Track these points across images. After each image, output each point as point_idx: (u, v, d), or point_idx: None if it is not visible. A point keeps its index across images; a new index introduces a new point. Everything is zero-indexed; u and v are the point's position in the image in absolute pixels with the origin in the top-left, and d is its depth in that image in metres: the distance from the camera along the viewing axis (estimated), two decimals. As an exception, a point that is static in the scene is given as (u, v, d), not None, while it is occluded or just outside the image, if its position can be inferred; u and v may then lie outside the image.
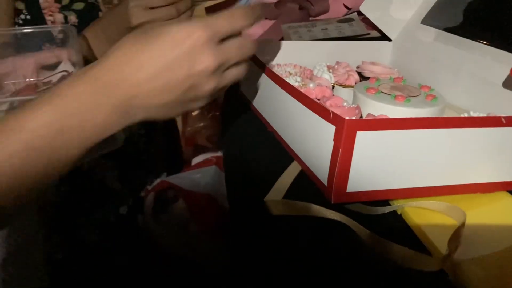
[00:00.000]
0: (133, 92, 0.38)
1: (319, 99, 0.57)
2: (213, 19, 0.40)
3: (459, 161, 0.44)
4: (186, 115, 1.29)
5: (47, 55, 0.63)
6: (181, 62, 0.39)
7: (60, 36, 0.65)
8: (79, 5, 0.79)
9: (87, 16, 0.79)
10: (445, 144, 0.42)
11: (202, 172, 0.94)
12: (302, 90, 0.56)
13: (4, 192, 0.36)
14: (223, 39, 0.41)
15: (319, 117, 0.43)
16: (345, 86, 0.64)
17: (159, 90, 0.39)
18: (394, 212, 0.44)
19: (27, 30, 0.63)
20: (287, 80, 0.57)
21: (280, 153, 0.52)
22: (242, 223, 0.53)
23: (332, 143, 0.41)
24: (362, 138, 0.40)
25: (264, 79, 0.58)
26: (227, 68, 0.42)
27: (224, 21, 0.41)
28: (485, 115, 0.50)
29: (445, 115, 0.55)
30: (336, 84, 0.64)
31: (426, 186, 0.44)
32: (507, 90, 0.51)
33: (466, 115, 0.50)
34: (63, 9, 0.78)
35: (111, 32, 0.69)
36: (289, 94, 0.50)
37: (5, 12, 0.72)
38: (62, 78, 0.60)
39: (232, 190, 0.59)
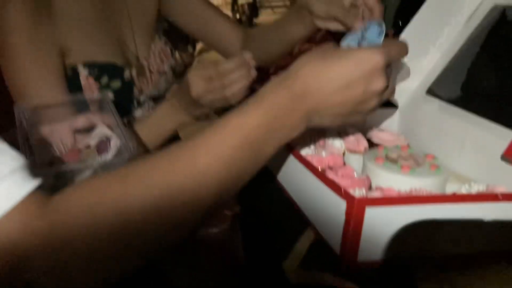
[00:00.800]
0: (319, 103, 0.45)
1: (331, 167, 0.62)
2: (388, 48, 0.47)
3: (461, 230, 0.48)
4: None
5: (81, 120, 0.68)
6: (359, 82, 0.45)
7: (96, 103, 0.72)
8: (116, 84, 0.85)
9: (123, 94, 0.86)
10: (447, 217, 0.47)
11: (220, 226, 0.97)
12: (314, 159, 0.61)
13: (222, 185, 0.43)
14: None
15: (331, 191, 0.48)
16: (355, 152, 0.69)
17: (337, 103, 0.46)
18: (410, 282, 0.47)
19: (69, 98, 0.70)
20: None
21: (295, 216, 0.57)
22: (260, 283, 0.57)
23: (343, 216, 0.46)
24: (371, 213, 0.45)
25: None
26: None
27: (395, 51, 0.49)
28: (485, 186, 0.54)
29: (449, 184, 0.59)
30: (347, 150, 0.69)
31: (436, 257, 0.48)
32: (505, 164, 0.55)
33: (466, 186, 0.55)
34: (102, 87, 0.84)
35: (182, 101, 0.77)
36: (304, 165, 0.55)
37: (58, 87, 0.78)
38: (101, 143, 0.65)
39: (249, 249, 0.63)
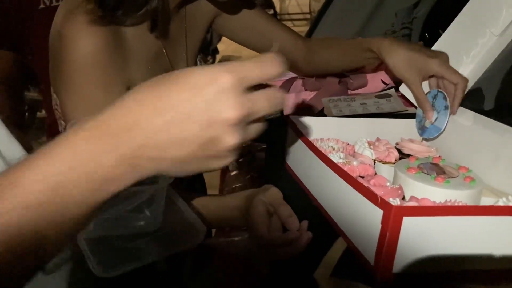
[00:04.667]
0: (145, 141, 0.34)
1: (362, 176, 0.61)
2: (240, 64, 0.36)
3: (500, 246, 0.46)
4: (224, 174, 1.34)
5: None
6: (201, 110, 0.34)
7: None
8: None
9: None
10: (486, 230, 0.45)
11: (241, 234, 0.97)
12: (345, 168, 0.60)
13: (4, 253, 0.32)
14: (250, 88, 0.36)
15: (367, 200, 0.47)
16: (385, 163, 0.68)
17: (173, 140, 0.34)
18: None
19: None
20: (331, 156, 0.61)
21: (326, 226, 0.56)
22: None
23: (379, 226, 0.45)
24: (408, 223, 0.43)
25: (308, 154, 0.63)
26: (252, 122, 0.37)
27: (252, 67, 0.36)
28: (522, 200, 0.53)
29: (483, 197, 0.58)
30: (377, 161, 0.68)
31: (470, 269, 0.47)
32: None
33: (504, 199, 0.53)
34: None
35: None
36: (335, 173, 0.54)
37: None
38: None
39: (277, 260, 0.62)
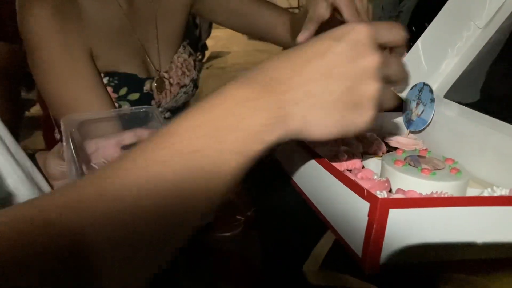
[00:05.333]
0: (291, 86, 0.35)
1: (349, 170, 0.61)
2: (373, 23, 0.38)
3: (486, 236, 0.47)
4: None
5: (128, 136, 0.65)
6: (341, 55, 0.36)
7: (143, 116, 0.69)
8: (135, 96, 0.84)
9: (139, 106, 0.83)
10: (472, 220, 0.46)
11: (233, 230, 0.97)
12: (332, 161, 0.60)
13: (159, 208, 0.31)
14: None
15: (354, 193, 0.47)
16: (372, 156, 0.68)
17: (318, 84, 0.35)
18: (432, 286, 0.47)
19: (115, 112, 0.67)
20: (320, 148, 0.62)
21: (314, 219, 0.56)
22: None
23: (366, 218, 0.45)
24: (395, 214, 0.44)
25: (297, 148, 0.63)
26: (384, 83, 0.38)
27: (384, 26, 0.39)
28: (507, 190, 0.53)
29: (469, 188, 0.58)
30: (365, 154, 0.68)
31: (457, 259, 0.47)
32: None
33: (489, 190, 0.54)
34: (118, 99, 0.83)
35: None
36: (322, 166, 0.55)
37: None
38: None
39: (267, 254, 0.62)
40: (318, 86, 0.36)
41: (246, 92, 0.35)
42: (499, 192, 0.54)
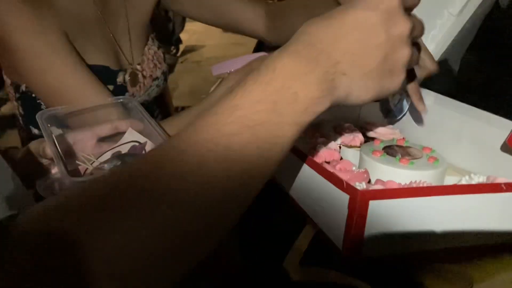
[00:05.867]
0: (340, 58, 0.38)
1: (328, 162, 0.61)
2: None
3: (466, 224, 0.47)
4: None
5: (105, 128, 0.64)
6: (377, 25, 0.38)
7: (120, 107, 0.67)
8: (109, 88, 0.81)
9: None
10: (451, 209, 0.46)
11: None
12: (310, 153, 0.60)
13: (222, 185, 0.34)
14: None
15: (333, 186, 0.47)
16: (350, 147, 0.68)
17: (360, 54, 0.38)
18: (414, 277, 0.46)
19: (90, 105, 0.65)
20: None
21: (293, 214, 0.55)
22: (260, 283, 0.55)
23: (346, 210, 0.44)
24: (375, 206, 0.43)
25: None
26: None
27: None
28: (485, 178, 0.54)
29: (447, 176, 0.58)
30: (342, 145, 0.68)
31: (437, 249, 0.47)
32: (505, 154, 0.55)
33: (467, 178, 0.54)
34: None
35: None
36: (301, 159, 0.54)
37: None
38: (133, 148, 0.60)
39: (246, 249, 0.61)
40: (359, 57, 0.38)
41: (297, 66, 0.37)
42: (476, 179, 0.54)
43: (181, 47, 5.19)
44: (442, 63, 0.72)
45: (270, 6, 0.93)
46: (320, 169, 0.49)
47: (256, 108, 0.35)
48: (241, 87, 0.37)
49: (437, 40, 0.73)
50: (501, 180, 0.52)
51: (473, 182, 0.53)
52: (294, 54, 0.38)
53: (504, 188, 0.46)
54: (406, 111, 0.70)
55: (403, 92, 0.70)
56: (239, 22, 0.92)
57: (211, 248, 0.36)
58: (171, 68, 5.16)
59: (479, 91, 0.65)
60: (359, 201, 0.43)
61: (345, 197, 0.44)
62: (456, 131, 0.63)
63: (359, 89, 0.40)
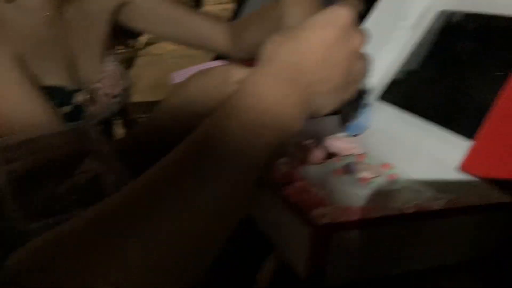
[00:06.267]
0: (311, 79, 0.40)
1: (289, 182, 0.61)
2: (345, 5, 0.42)
3: (427, 245, 0.48)
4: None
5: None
6: (338, 42, 0.40)
7: (77, 132, 0.64)
8: (66, 109, 0.77)
9: (71, 120, 0.78)
10: (412, 232, 0.47)
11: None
12: (274, 174, 0.60)
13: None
14: None
15: (297, 217, 0.47)
16: (312, 164, 0.68)
17: (327, 72, 0.41)
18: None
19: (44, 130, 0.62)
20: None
21: (258, 241, 0.55)
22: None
23: (308, 242, 0.45)
24: (336, 237, 0.44)
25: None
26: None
27: (354, 4, 0.47)
28: (444, 197, 0.55)
29: (406, 194, 0.60)
30: (304, 162, 0.68)
31: (402, 272, 0.48)
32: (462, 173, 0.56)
33: (426, 196, 0.55)
34: None
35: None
36: (265, 185, 0.54)
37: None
38: (90, 180, 0.59)
39: (210, 278, 0.61)
40: (326, 74, 0.41)
41: (279, 89, 0.39)
42: (434, 199, 0.55)
43: (143, 40, 5.08)
44: (400, 76, 0.73)
45: (231, 24, 0.93)
46: (283, 198, 0.49)
47: (242, 132, 0.37)
48: (227, 109, 0.38)
49: (394, 54, 0.74)
50: (458, 200, 0.54)
51: (432, 203, 0.55)
52: (272, 77, 0.40)
53: (461, 211, 0.48)
54: (366, 126, 0.71)
55: (362, 107, 0.71)
56: (203, 38, 0.92)
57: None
58: (130, 62, 5.06)
59: (435, 106, 0.66)
60: (320, 233, 0.43)
61: (307, 229, 0.45)
62: (414, 148, 0.64)
63: (326, 102, 0.43)
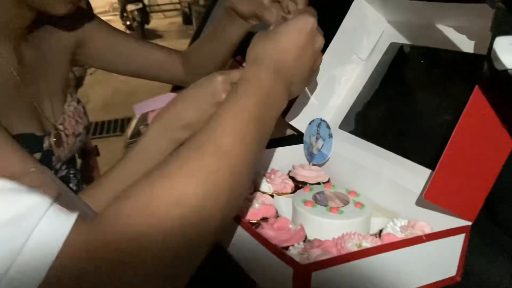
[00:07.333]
0: (291, 73, 0.53)
1: (266, 218, 0.64)
2: (309, 10, 0.59)
3: (400, 273, 0.53)
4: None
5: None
6: (307, 44, 0.54)
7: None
8: (37, 156, 0.76)
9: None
10: (392, 264, 0.51)
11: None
12: (249, 211, 0.63)
13: (244, 162, 0.46)
14: None
15: (277, 258, 0.50)
16: (282, 194, 0.71)
17: (302, 69, 0.55)
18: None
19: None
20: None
21: (241, 279, 0.58)
22: None
23: (291, 282, 0.48)
24: (317, 275, 0.47)
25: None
26: None
27: (313, 12, 0.58)
28: (406, 222, 0.60)
29: (373, 218, 0.64)
30: (275, 193, 0.71)
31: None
32: (419, 197, 0.61)
33: (391, 223, 0.60)
34: None
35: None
36: (250, 233, 0.56)
37: None
38: None
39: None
40: (300, 69, 0.54)
41: (271, 78, 0.51)
42: (399, 224, 0.60)
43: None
44: (357, 106, 0.77)
45: (184, 52, 0.98)
46: (264, 242, 0.52)
47: (256, 108, 0.49)
48: (236, 97, 0.49)
49: (349, 85, 0.78)
50: (421, 224, 0.58)
51: (397, 227, 0.59)
52: (265, 70, 0.51)
53: (425, 238, 0.52)
54: (330, 155, 0.75)
55: (326, 137, 0.75)
56: (157, 69, 0.95)
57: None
58: (80, 80, 4.93)
59: (391, 135, 0.71)
60: (302, 274, 0.47)
61: (290, 270, 0.48)
62: (375, 172, 0.69)
63: (297, 89, 0.57)
